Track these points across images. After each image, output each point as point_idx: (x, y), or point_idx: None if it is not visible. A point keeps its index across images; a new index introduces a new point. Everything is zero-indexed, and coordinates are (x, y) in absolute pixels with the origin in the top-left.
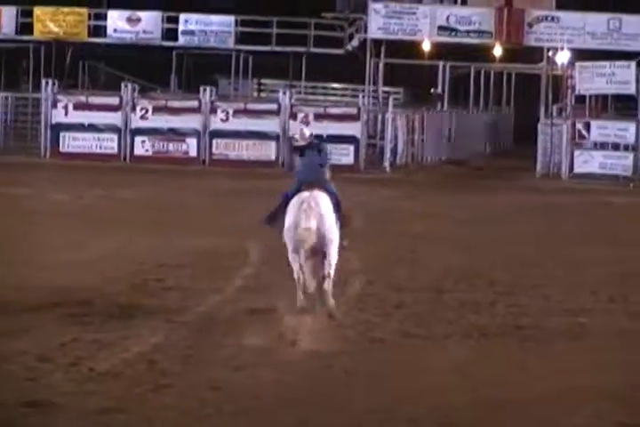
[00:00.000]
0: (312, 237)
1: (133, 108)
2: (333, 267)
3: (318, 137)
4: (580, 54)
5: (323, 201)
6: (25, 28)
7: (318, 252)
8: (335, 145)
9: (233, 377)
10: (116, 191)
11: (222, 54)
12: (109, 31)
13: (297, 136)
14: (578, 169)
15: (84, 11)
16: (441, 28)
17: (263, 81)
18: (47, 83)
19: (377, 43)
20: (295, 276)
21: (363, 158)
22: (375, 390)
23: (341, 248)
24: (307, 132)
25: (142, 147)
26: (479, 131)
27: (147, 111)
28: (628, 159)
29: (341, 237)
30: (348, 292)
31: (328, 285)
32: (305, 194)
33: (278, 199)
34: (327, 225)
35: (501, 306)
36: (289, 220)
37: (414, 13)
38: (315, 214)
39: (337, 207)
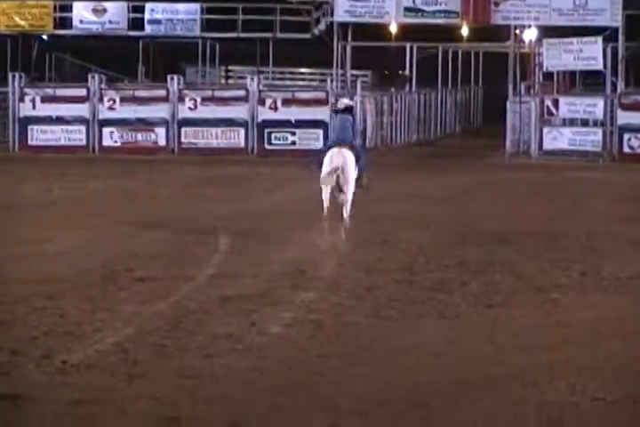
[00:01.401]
0: (336, 174)
1: (101, 100)
2: (349, 200)
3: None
4: (547, 31)
5: (347, 155)
6: None
7: (340, 188)
8: (304, 130)
9: (206, 365)
10: (86, 183)
11: (189, 42)
12: (75, 22)
13: (338, 104)
14: (547, 146)
15: (50, 3)
16: (407, 9)
17: (231, 68)
18: (14, 76)
19: (344, 26)
20: (323, 199)
21: None
22: (349, 373)
23: (360, 186)
24: (345, 101)
25: (111, 138)
26: (448, 111)
27: (114, 102)
28: (597, 135)
29: (362, 177)
30: (319, 275)
31: (345, 211)
32: (335, 150)
33: (320, 151)
34: (348, 168)
35: (473, 285)
36: (324, 169)
37: None
38: (339, 162)
39: (357, 158)
